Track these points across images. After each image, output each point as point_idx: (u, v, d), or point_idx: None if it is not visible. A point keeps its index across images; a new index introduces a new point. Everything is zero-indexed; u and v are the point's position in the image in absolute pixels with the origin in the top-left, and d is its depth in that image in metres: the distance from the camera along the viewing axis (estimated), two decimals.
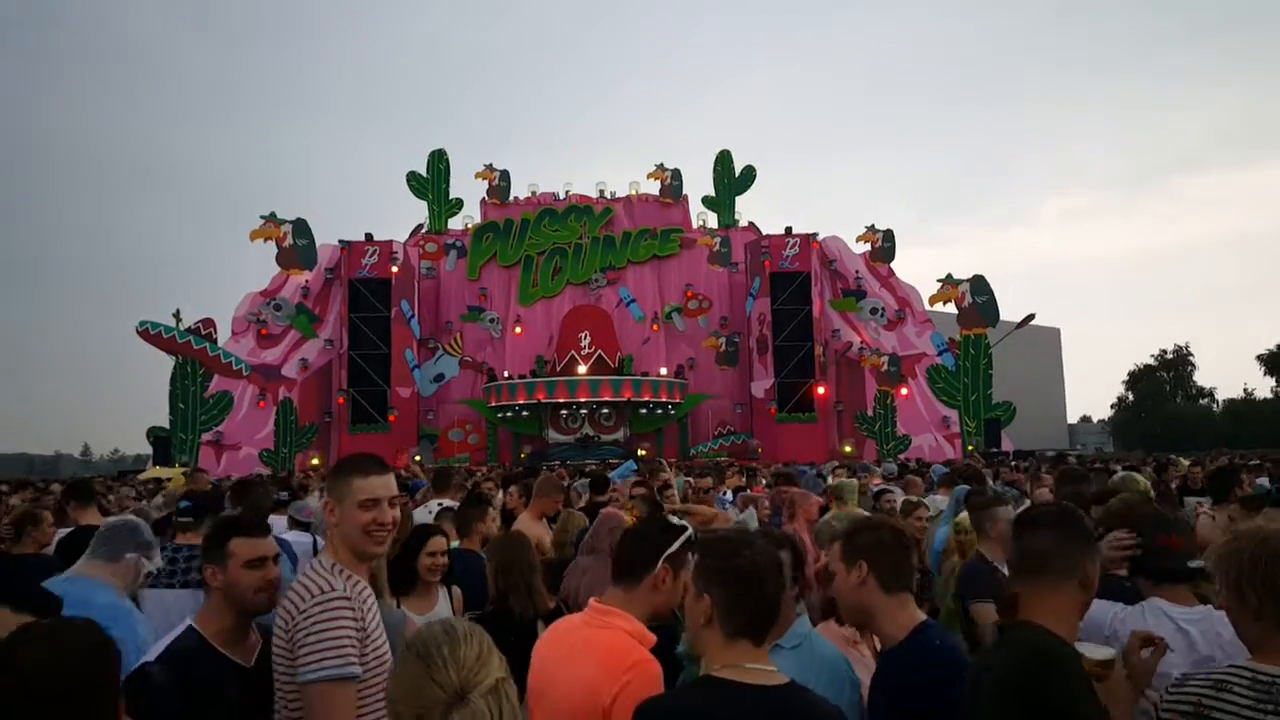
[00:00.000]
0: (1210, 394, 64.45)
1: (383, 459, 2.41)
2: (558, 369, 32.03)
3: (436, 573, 3.71)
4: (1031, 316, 32.97)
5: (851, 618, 2.24)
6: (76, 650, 1.56)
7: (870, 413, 31.50)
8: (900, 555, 2.16)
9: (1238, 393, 61.83)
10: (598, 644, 2.10)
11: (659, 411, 31.99)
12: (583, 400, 30.88)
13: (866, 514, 6.07)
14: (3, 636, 1.61)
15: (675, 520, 2.43)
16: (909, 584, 2.15)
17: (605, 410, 31.45)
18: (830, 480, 8.47)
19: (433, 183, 35.32)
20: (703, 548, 1.95)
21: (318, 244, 31.63)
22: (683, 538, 2.26)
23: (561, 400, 30.95)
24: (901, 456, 26.46)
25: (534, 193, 35.80)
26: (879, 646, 2.32)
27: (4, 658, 1.51)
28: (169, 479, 7.86)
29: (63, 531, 4.83)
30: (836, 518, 4.76)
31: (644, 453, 29.74)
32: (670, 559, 2.21)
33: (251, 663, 2.39)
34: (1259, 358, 53.85)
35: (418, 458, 27.87)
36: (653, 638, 2.16)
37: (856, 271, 33.04)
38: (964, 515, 5.22)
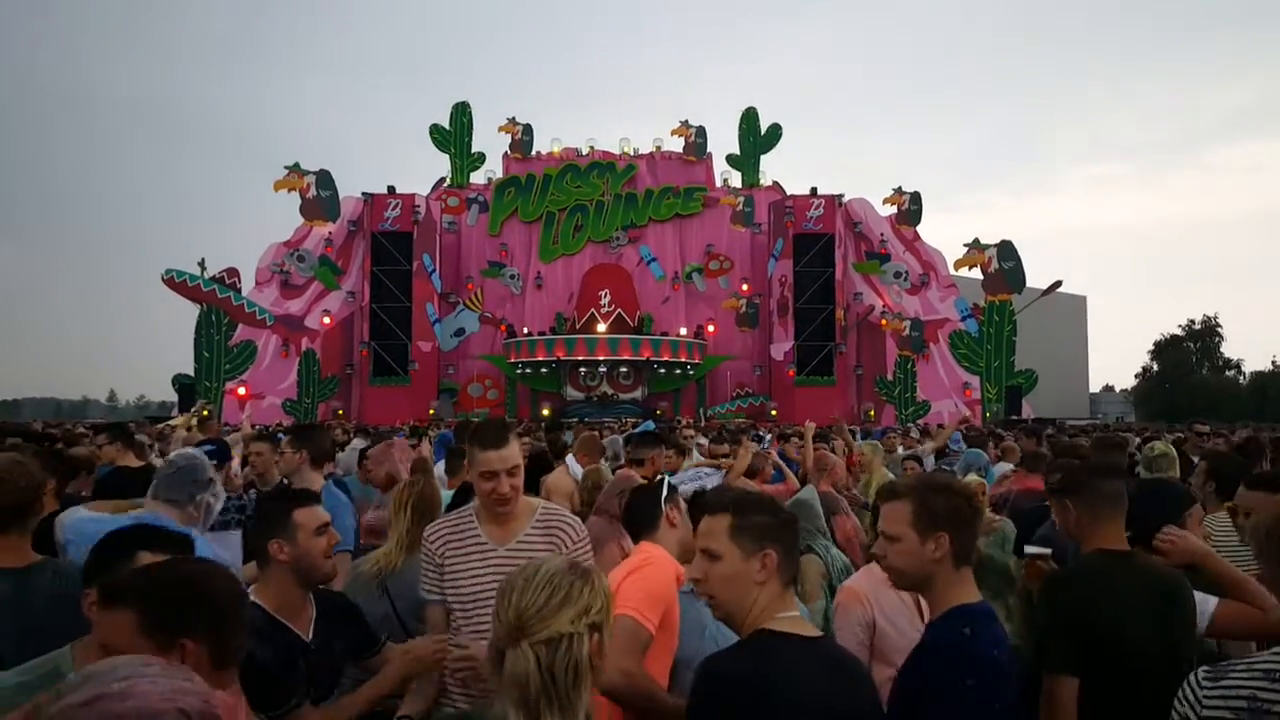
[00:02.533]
0: (1238, 366, 63.48)
1: (505, 431, 2.58)
2: (577, 326, 32.04)
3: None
4: (1059, 283, 32.53)
5: (908, 584, 2.09)
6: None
7: (890, 377, 31.33)
8: (974, 527, 2.05)
9: (1266, 365, 60.94)
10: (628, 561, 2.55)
11: (677, 371, 32.00)
12: (601, 358, 30.92)
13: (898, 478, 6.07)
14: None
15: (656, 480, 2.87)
16: (972, 557, 2.03)
17: (624, 369, 31.51)
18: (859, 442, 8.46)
19: (455, 136, 35.06)
20: (749, 505, 1.87)
21: (341, 196, 31.62)
22: (666, 484, 2.71)
23: (580, 358, 31.01)
24: (920, 421, 26.39)
25: (557, 148, 35.46)
26: (926, 615, 2.31)
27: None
28: (174, 425, 7.89)
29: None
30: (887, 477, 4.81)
31: (661, 412, 29.88)
32: (669, 500, 2.62)
33: (309, 636, 2.35)
34: None
35: (432, 410, 28.15)
36: (677, 566, 2.47)
37: (881, 234, 32.58)
38: (972, 477, 5.21)
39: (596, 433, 8.76)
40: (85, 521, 2.71)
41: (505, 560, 2.45)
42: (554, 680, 1.37)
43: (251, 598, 2.24)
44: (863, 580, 2.75)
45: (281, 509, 2.40)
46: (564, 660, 1.39)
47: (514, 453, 2.54)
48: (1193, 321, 64.51)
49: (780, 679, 1.66)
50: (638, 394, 31.71)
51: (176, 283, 29.00)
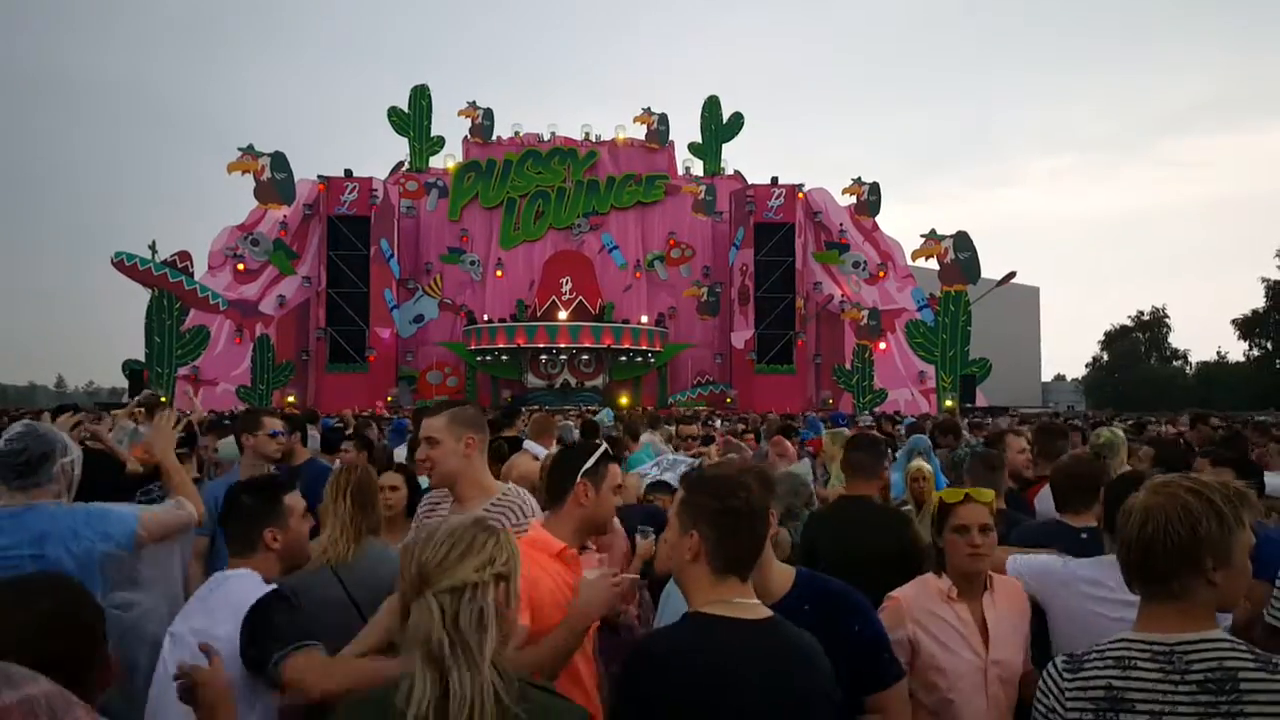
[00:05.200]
0: (1184, 356, 65.43)
1: (441, 407, 2.70)
2: (538, 314, 31.89)
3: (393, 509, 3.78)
4: (1012, 274, 33.08)
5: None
6: None
7: (849, 366, 31.74)
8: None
9: (1211, 355, 62.89)
10: None
11: (638, 359, 32.05)
12: (563, 346, 30.85)
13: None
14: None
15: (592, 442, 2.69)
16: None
17: (585, 357, 31.46)
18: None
19: (414, 119, 34.53)
20: (694, 485, 1.89)
21: (296, 179, 30.98)
22: (598, 453, 2.43)
23: (541, 345, 30.89)
24: (878, 409, 26.77)
25: (518, 133, 35.10)
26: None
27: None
28: (116, 414, 7.74)
29: None
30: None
31: (625, 401, 29.92)
32: (587, 473, 2.37)
33: None
34: (1233, 321, 54.50)
35: (390, 398, 27.87)
36: (558, 544, 2.30)
37: (841, 224, 32.89)
38: (920, 462, 5.32)
39: (548, 413, 8.82)
40: None
41: None
42: (458, 628, 1.37)
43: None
44: (909, 591, 2.53)
45: (274, 495, 2.36)
46: (469, 609, 1.39)
47: (434, 425, 2.65)
48: (1141, 313, 66.42)
49: (694, 656, 1.69)
50: (599, 382, 31.71)
51: (126, 266, 28.19)
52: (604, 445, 2.53)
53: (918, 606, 2.47)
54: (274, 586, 2.20)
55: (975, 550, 2.43)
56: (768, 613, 1.81)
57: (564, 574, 2.26)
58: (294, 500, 2.39)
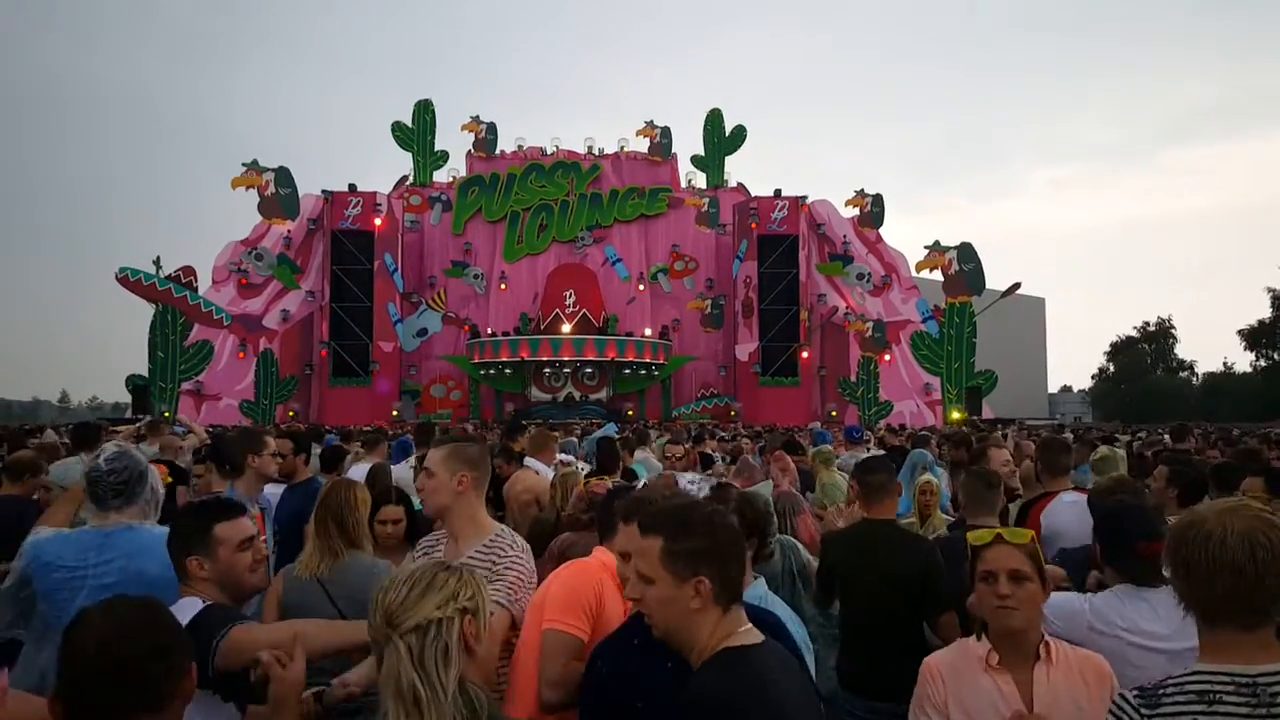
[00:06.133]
0: (1190, 367, 65.09)
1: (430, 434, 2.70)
2: (542, 327, 31.88)
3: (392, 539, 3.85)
4: (1017, 285, 32.99)
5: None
6: None
7: (853, 378, 31.61)
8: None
9: (1217, 366, 62.56)
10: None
11: (642, 372, 31.99)
12: (566, 359, 30.81)
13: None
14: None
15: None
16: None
17: (589, 370, 31.41)
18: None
19: (418, 134, 34.70)
20: (675, 528, 1.73)
21: (300, 194, 31.12)
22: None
23: (545, 359, 30.86)
24: (883, 422, 26.64)
25: (521, 147, 35.25)
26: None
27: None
28: (119, 431, 7.78)
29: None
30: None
31: (630, 413, 29.87)
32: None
33: None
34: (1239, 332, 54.28)
35: (395, 413, 27.87)
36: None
37: (844, 236, 32.87)
38: (928, 476, 5.25)
39: (547, 428, 8.71)
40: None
41: None
42: (423, 665, 1.42)
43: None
44: (946, 657, 2.24)
45: (202, 523, 2.28)
46: (433, 645, 1.44)
47: (434, 457, 2.68)
48: (1147, 323, 66.16)
49: (759, 690, 1.66)
50: (603, 395, 31.64)
51: (131, 281, 28.34)
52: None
53: (953, 676, 2.13)
54: (209, 603, 2.16)
55: (1003, 603, 2.06)
56: (760, 636, 1.76)
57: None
58: (228, 529, 2.27)
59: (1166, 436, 10.30)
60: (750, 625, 1.77)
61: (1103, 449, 5.18)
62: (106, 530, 2.72)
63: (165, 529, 2.74)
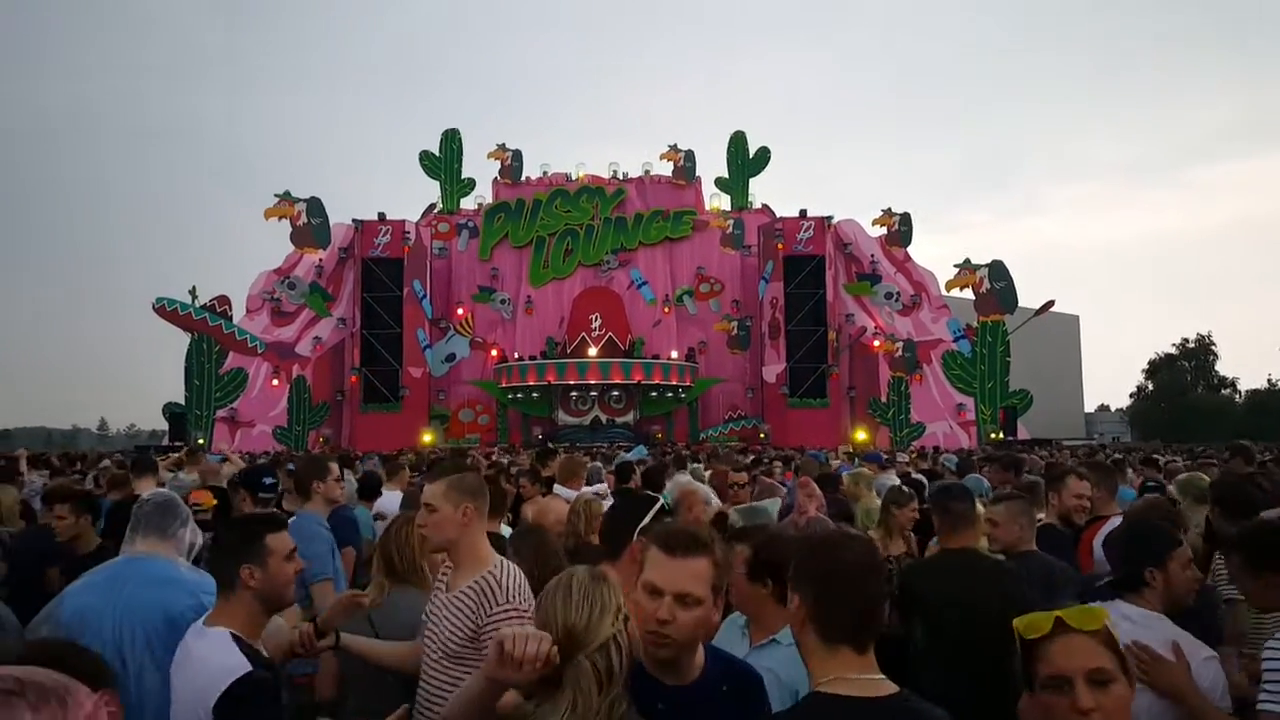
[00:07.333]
0: (1233, 384, 63.44)
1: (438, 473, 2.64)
2: (568, 351, 31.95)
3: None
4: (1051, 303, 32.42)
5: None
6: None
7: (884, 399, 31.21)
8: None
9: (1261, 383, 60.89)
10: None
11: (669, 395, 31.89)
12: (593, 382, 30.82)
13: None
14: None
15: (649, 494, 2.79)
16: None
17: (615, 393, 31.38)
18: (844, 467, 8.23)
19: (445, 162, 35.21)
20: (800, 548, 1.84)
21: (331, 223, 31.64)
22: (654, 509, 2.47)
23: (572, 382, 30.90)
24: (915, 444, 26.22)
25: (546, 173, 35.61)
26: None
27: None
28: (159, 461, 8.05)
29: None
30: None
31: (659, 435, 29.70)
32: (644, 530, 2.40)
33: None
34: None
35: (427, 438, 27.95)
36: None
37: (872, 255, 32.61)
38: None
39: (576, 453, 8.68)
40: None
41: (442, 605, 2.49)
42: (610, 678, 1.57)
43: (222, 627, 2.21)
44: None
45: (255, 532, 2.33)
46: (616, 658, 1.59)
47: (433, 492, 2.57)
48: (1186, 340, 64.60)
49: None
50: (630, 418, 31.56)
51: (168, 311, 28.87)
52: (661, 501, 2.61)
53: None
54: (248, 669, 2.10)
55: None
56: (893, 688, 1.62)
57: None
58: (277, 541, 2.33)
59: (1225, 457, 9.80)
60: (870, 677, 1.62)
61: (1186, 476, 4.97)
62: (134, 557, 2.93)
63: (190, 571, 2.92)
